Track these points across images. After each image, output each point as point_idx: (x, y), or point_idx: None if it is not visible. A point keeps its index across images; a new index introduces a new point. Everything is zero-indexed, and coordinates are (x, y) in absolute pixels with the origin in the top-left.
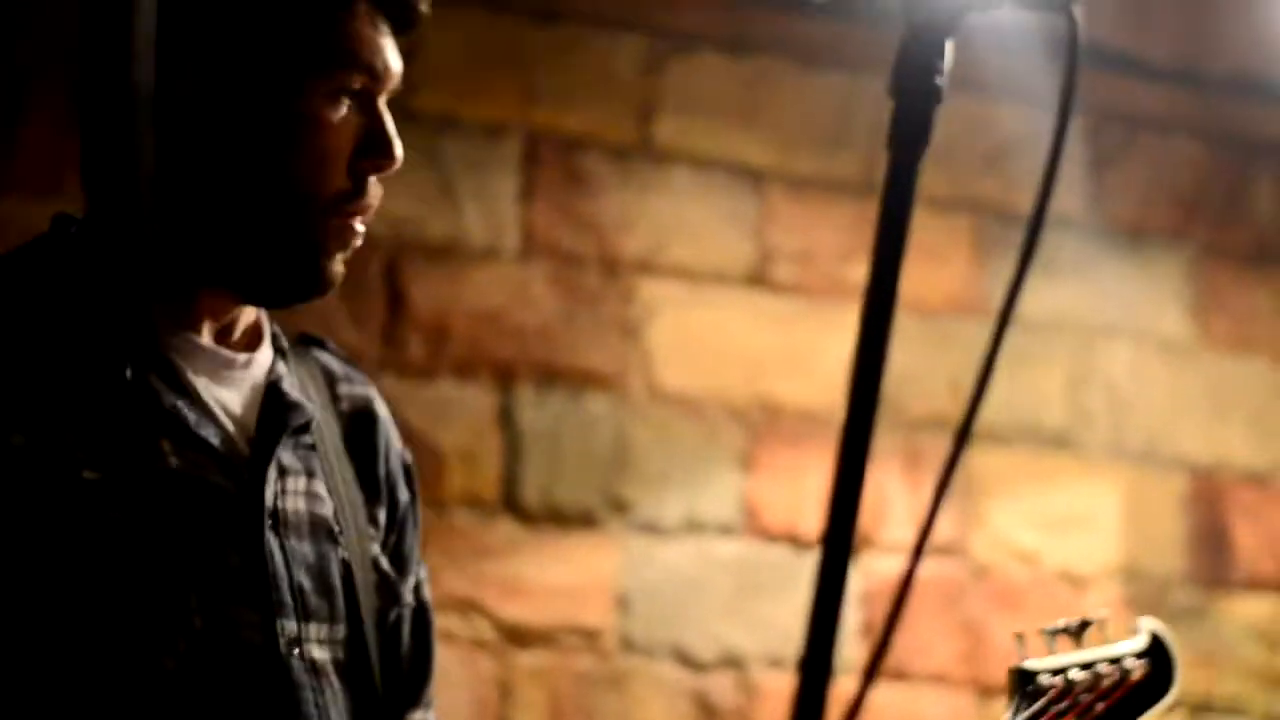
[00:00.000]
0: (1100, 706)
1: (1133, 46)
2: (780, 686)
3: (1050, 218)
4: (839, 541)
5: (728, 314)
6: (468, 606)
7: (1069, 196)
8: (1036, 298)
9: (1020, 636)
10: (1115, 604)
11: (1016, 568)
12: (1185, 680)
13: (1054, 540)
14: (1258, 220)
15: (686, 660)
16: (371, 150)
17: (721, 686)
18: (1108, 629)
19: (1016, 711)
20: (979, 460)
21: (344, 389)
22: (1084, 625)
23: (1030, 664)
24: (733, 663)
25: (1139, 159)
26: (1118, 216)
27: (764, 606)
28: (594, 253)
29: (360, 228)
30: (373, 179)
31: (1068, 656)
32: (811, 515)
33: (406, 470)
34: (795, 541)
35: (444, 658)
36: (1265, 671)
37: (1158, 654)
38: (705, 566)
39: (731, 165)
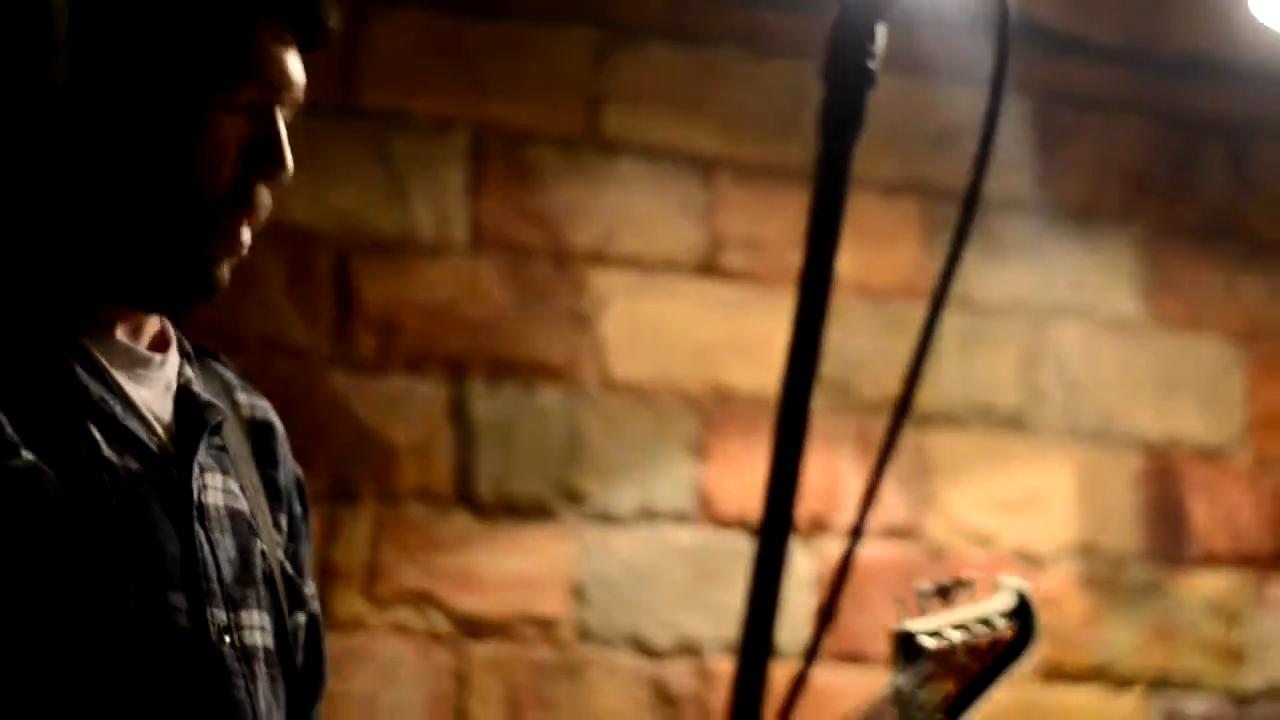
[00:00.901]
0: (976, 667)
1: (1080, 27)
2: None
3: (1000, 199)
4: (777, 523)
5: (679, 303)
6: (423, 599)
7: (1018, 177)
8: (987, 279)
9: (901, 601)
10: (1072, 582)
11: (972, 549)
12: (1144, 656)
13: (1009, 520)
14: (1207, 198)
15: (643, 648)
16: (263, 159)
17: (679, 674)
18: (976, 589)
19: (903, 675)
20: (933, 442)
21: (242, 397)
22: (955, 586)
23: (911, 627)
24: (690, 650)
25: (1088, 139)
26: (1067, 197)
27: (720, 593)
28: (544, 245)
29: (247, 236)
30: (262, 188)
31: (944, 618)
32: None
33: (299, 484)
34: (750, 528)
35: (400, 650)
36: (1222, 646)
37: (1023, 612)
38: (660, 555)
39: (680, 155)
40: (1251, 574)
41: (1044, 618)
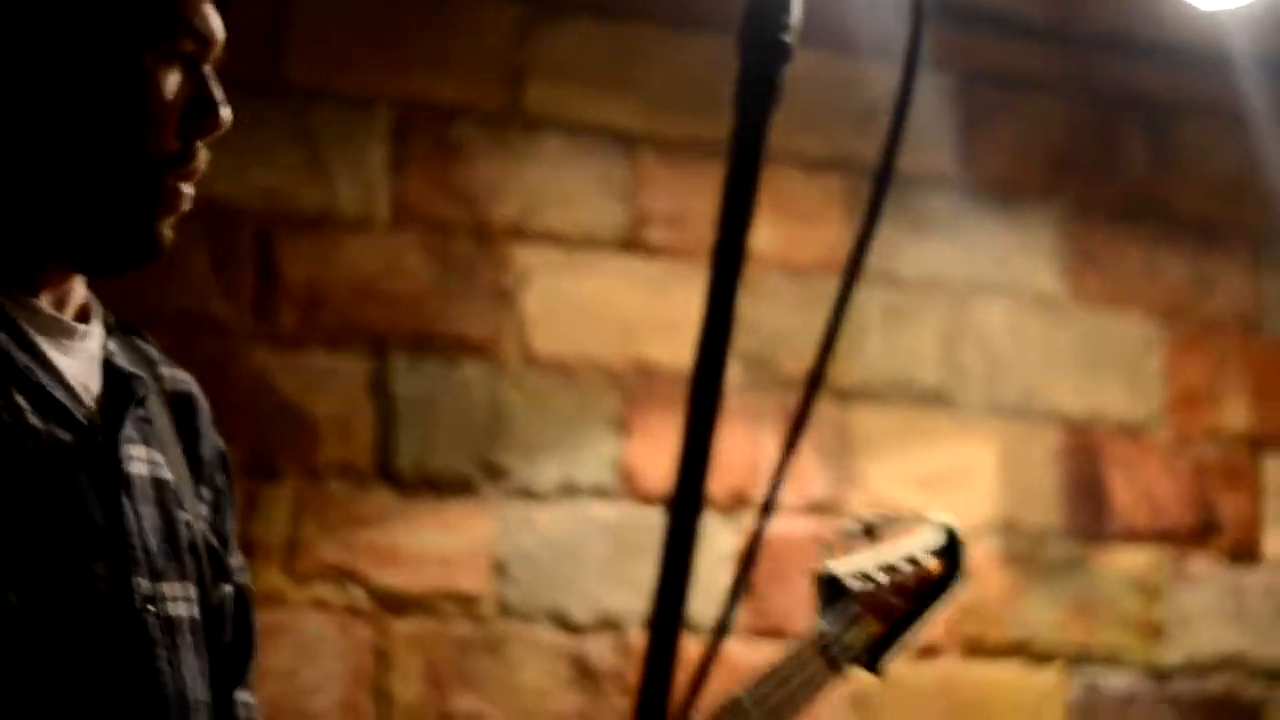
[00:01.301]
0: (904, 606)
1: (1002, 5)
2: None
3: (922, 176)
4: (689, 496)
5: (601, 279)
6: (344, 575)
7: (940, 155)
8: (909, 256)
9: (826, 544)
10: (993, 558)
11: None
12: (1064, 631)
13: (931, 497)
14: (1128, 176)
15: (565, 624)
16: (199, 114)
17: (600, 649)
18: (902, 525)
19: (827, 618)
20: (855, 418)
21: (164, 371)
22: (881, 523)
23: (834, 568)
24: (611, 625)
25: (1011, 117)
26: (989, 174)
27: (641, 569)
28: (466, 220)
29: (189, 191)
30: (200, 144)
31: (870, 558)
32: None
33: (222, 458)
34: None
35: (320, 626)
36: (1142, 622)
37: (951, 549)
38: (582, 530)
39: (603, 130)
40: (1171, 550)
41: (964, 594)
